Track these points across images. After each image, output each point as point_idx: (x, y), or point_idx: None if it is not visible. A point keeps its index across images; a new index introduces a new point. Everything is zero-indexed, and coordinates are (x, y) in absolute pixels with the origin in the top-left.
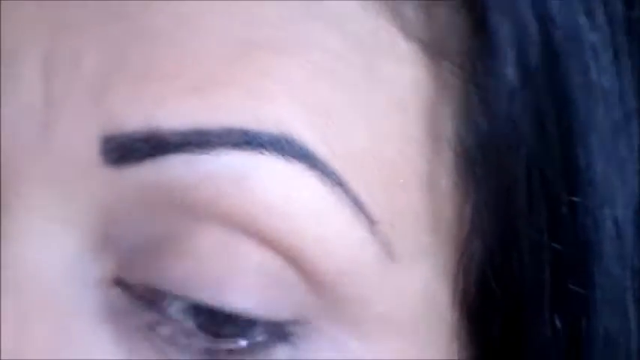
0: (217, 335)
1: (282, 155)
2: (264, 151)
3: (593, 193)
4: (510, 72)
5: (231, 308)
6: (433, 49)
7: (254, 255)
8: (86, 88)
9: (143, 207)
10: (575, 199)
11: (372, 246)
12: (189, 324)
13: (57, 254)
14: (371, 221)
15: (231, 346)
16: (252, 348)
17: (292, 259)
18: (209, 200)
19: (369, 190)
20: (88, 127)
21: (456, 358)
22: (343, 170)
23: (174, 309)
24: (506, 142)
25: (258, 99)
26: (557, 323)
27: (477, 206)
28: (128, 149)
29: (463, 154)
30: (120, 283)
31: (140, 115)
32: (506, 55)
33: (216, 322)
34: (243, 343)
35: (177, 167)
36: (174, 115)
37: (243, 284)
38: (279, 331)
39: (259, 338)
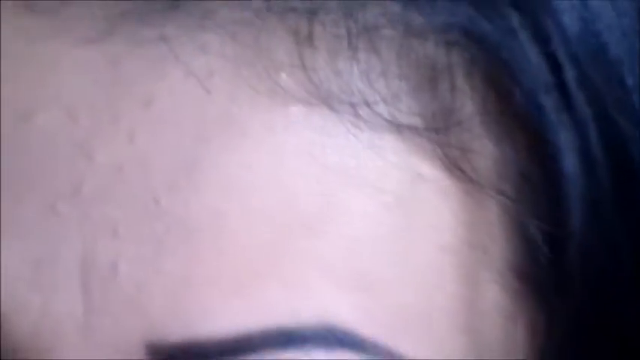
0: None
1: (325, 347)
2: (305, 346)
3: None
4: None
5: None
6: (480, 185)
7: None
8: (124, 295)
9: None
10: None
11: None
12: None
13: None
14: None
15: None
16: None
17: None
18: None
19: (419, 348)
20: (129, 334)
21: None
22: (392, 336)
23: None
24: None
25: (295, 290)
26: None
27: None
28: (171, 357)
29: (522, 289)
30: None
31: (180, 324)
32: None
33: None
34: None
35: None
36: (215, 322)
37: None
38: None
39: None
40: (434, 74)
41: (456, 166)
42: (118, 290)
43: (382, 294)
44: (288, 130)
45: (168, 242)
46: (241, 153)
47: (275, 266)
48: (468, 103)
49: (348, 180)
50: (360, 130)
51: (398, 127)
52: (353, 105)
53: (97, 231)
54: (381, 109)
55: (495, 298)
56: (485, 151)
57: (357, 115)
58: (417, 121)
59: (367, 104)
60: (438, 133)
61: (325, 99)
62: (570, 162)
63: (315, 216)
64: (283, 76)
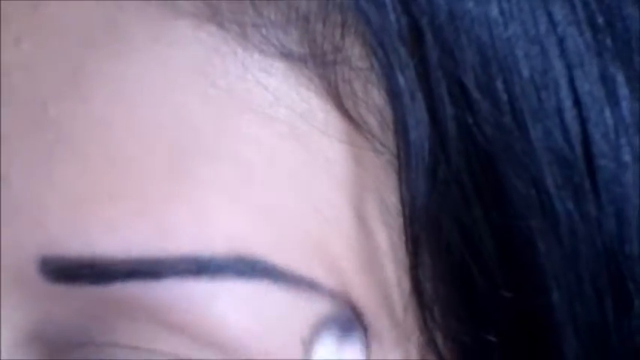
0: None
1: (241, 276)
2: (219, 275)
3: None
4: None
5: None
6: (364, 126)
7: None
8: (20, 207)
9: (86, 316)
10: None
11: None
12: None
13: None
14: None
15: None
16: None
17: None
18: (168, 326)
19: (328, 281)
20: (26, 246)
21: None
22: (302, 266)
23: None
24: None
25: (202, 217)
26: None
27: (435, 276)
28: (70, 273)
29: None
30: None
31: (82, 240)
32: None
33: None
34: None
35: (126, 293)
36: (121, 242)
37: None
38: None
39: None
40: (326, 9)
41: (341, 105)
42: (13, 200)
43: (286, 223)
44: (176, 43)
45: (60, 153)
46: (127, 62)
47: (179, 190)
48: (356, 45)
49: (239, 104)
50: (250, 53)
51: (287, 56)
52: (242, 25)
53: None
54: (270, 34)
55: (388, 243)
56: (372, 100)
57: (245, 37)
58: (305, 52)
59: (256, 26)
60: (325, 67)
61: (213, 16)
62: (415, 132)
63: (210, 137)
64: None
